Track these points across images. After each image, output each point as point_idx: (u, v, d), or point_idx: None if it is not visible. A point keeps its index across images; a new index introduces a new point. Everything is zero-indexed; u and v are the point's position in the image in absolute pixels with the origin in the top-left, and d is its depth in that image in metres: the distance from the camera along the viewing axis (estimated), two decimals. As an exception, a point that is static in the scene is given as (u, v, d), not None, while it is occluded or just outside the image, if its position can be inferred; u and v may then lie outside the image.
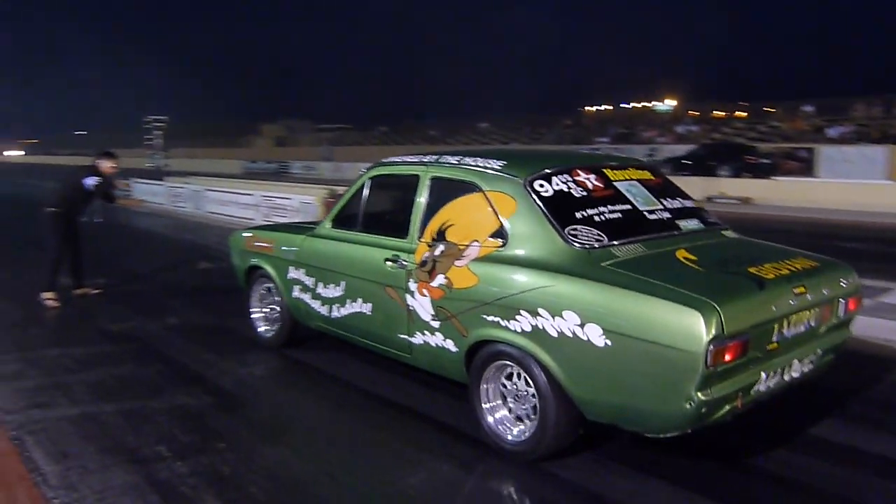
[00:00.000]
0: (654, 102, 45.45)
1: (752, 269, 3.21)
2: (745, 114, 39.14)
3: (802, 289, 3.21)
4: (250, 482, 3.19)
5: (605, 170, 3.84)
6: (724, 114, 40.05)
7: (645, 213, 3.65)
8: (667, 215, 3.72)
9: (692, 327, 2.73)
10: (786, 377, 3.21)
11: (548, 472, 3.28)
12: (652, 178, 4.02)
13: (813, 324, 3.32)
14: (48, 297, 6.58)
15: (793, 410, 3.89)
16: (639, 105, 47.11)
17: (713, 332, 2.71)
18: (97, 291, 7.10)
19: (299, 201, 12.17)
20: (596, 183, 3.69)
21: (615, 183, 3.77)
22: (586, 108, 53.66)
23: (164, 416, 3.95)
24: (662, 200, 3.82)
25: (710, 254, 3.44)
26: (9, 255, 10.08)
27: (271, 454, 3.52)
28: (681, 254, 3.35)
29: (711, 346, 2.71)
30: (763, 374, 3.06)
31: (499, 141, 46.24)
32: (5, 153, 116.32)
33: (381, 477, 3.30)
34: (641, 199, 3.74)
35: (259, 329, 5.31)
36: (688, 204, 3.96)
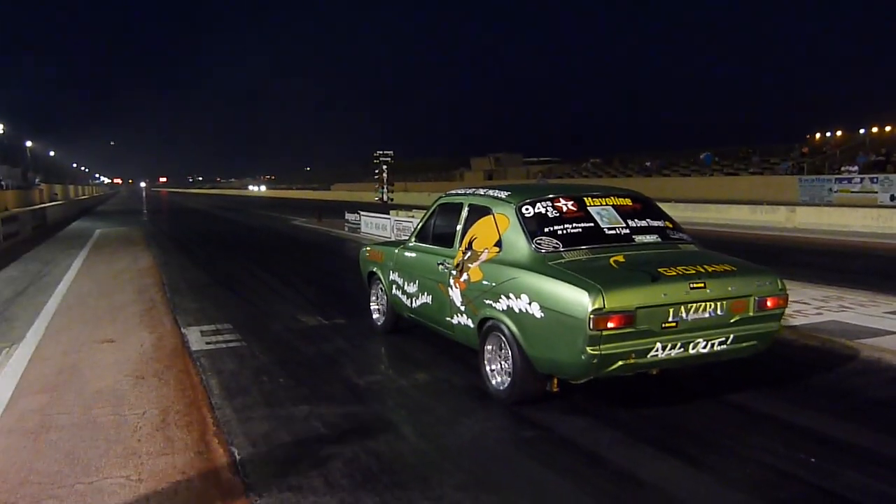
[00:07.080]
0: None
1: (661, 269, 4.21)
2: None
3: (701, 285, 4.18)
4: None
5: (585, 198, 5.00)
6: None
7: (605, 229, 4.77)
8: (625, 231, 4.81)
9: (581, 302, 3.99)
10: (692, 351, 4.23)
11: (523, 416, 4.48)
12: (630, 204, 5.10)
13: (719, 313, 4.25)
14: None
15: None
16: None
17: (595, 305, 3.92)
18: None
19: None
20: (570, 207, 4.88)
21: (588, 208, 4.92)
22: (818, 134, 48.30)
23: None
24: (628, 221, 4.89)
25: (639, 258, 4.47)
26: (268, 287, 10.48)
27: None
28: (614, 258, 4.45)
29: (593, 315, 3.91)
30: (659, 345, 4.11)
31: (720, 173, 42.58)
32: (250, 187, 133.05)
33: None
34: (607, 219, 4.85)
35: (374, 317, 7.04)
36: (655, 224, 4.99)
